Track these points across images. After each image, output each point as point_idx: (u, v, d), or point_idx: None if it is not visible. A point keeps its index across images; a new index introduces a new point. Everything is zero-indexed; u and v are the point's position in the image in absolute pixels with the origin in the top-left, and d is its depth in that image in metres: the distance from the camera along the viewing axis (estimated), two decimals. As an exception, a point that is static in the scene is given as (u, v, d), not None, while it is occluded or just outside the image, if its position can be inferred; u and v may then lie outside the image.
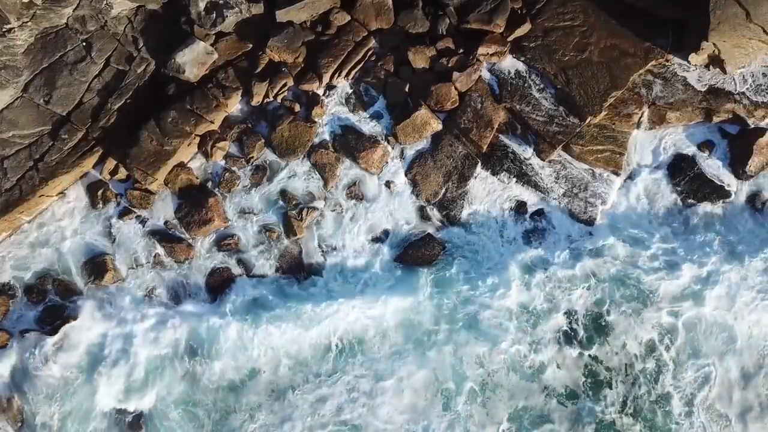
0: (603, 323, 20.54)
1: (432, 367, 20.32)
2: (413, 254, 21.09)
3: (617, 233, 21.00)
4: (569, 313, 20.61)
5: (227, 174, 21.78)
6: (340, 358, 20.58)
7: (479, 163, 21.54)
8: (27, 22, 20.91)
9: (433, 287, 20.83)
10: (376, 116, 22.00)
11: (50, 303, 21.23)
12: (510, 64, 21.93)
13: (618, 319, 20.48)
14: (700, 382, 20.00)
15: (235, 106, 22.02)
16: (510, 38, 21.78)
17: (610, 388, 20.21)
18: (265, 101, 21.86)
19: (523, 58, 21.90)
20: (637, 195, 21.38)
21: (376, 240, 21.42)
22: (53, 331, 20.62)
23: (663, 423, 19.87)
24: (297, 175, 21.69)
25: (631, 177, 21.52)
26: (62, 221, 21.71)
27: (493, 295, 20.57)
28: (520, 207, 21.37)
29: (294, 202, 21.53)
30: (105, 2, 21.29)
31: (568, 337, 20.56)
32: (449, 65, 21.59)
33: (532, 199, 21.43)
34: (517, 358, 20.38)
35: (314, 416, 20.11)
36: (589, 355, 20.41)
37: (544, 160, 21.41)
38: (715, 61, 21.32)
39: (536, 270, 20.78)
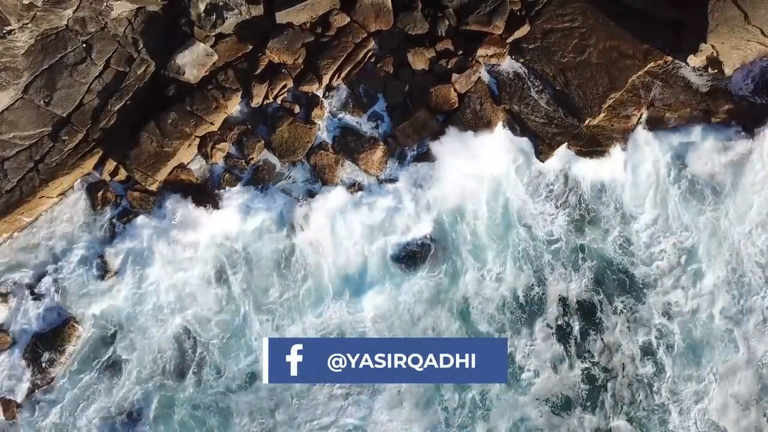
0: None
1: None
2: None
3: None
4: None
5: (227, 175, 21.83)
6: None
7: (478, 164, 21.66)
8: (27, 23, 20.92)
9: None
10: (376, 117, 22.02)
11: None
12: (509, 65, 21.94)
13: None
14: None
15: (234, 107, 22.03)
16: (509, 40, 21.81)
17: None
18: (264, 102, 21.89)
19: (522, 60, 21.93)
20: None
21: None
22: (53, 334, 20.83)
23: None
24: (296, 180, 21.81)
25: None
26: (62, 222, 21.71)
27: None
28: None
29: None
30: (105, 4, 21.31)
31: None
32: (448, 66, 21.62)
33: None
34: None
35: None
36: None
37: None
38: (714, 63, 21.37)
39: None
